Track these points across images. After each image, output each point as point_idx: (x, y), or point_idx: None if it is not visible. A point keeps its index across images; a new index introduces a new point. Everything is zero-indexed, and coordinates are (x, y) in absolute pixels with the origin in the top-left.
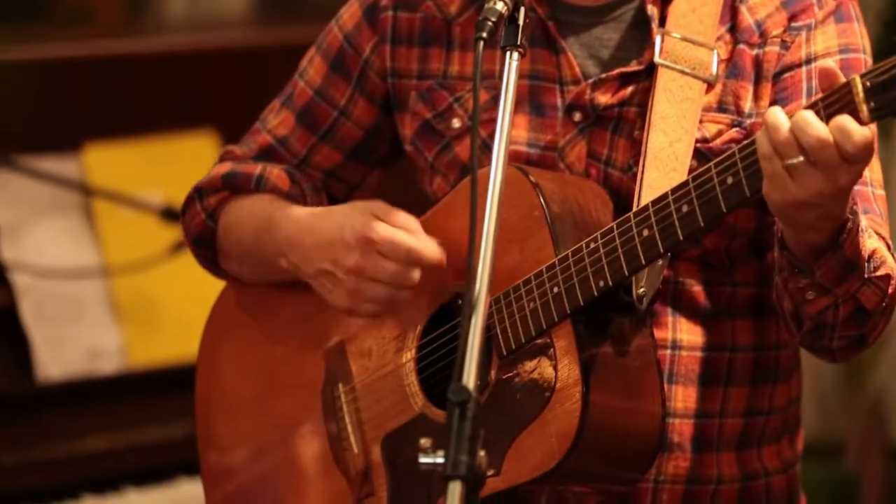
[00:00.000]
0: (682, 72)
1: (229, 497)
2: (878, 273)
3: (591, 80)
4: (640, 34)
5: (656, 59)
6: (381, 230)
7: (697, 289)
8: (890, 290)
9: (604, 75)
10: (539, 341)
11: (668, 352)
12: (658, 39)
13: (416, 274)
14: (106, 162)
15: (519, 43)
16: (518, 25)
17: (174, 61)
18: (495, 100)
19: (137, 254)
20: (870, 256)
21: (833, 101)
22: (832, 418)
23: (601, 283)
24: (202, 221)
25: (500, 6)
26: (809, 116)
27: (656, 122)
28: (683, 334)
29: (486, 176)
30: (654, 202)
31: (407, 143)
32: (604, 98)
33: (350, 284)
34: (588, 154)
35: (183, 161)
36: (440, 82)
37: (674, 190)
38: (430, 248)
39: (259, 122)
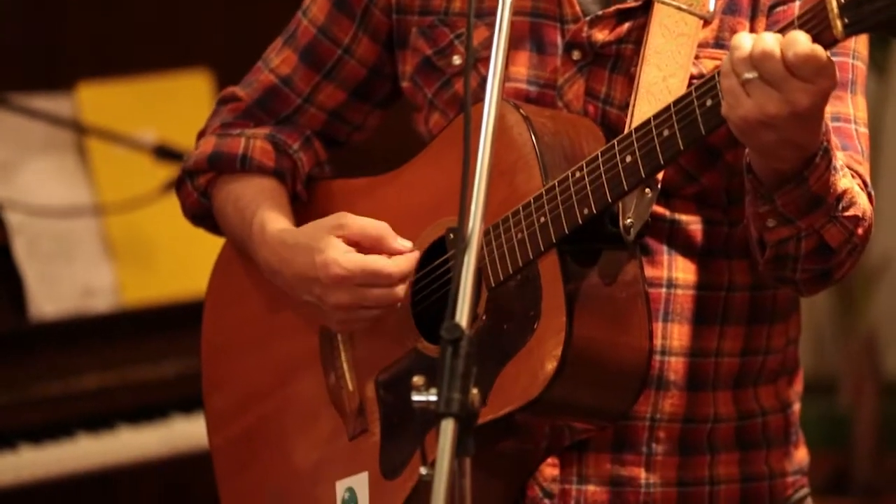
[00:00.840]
0: (679, 8)
1: (231, 439)
2: (847, 213)
3: (588, 18)
4: None
5: None
6: (353, 265)
7: (694, 227)
8: (859, 231)
9: (601, 12)
10: (526, 272)
11: (664, 290)
12: None
13: (402, 289)
14: (99, 100)
15: None
16: None
17: None
18: None
19: (131, 192)
20: (841, 195)
21: (808, 20)
22: (826, 355)
23: (586, 211)
24: (196, 200)
25: None
26: (765, 34)
27: (650, 56)
28: (679, 273)
29: (481, 112)
30: (637, 128)
31: (405, 80)
32: (601, 35)
33: (338, 317)
34: (586, 92)
35: (177, 100)
36: (441, 19)
37: (656, 115)
38: (404, 263)
39: (261, 62)
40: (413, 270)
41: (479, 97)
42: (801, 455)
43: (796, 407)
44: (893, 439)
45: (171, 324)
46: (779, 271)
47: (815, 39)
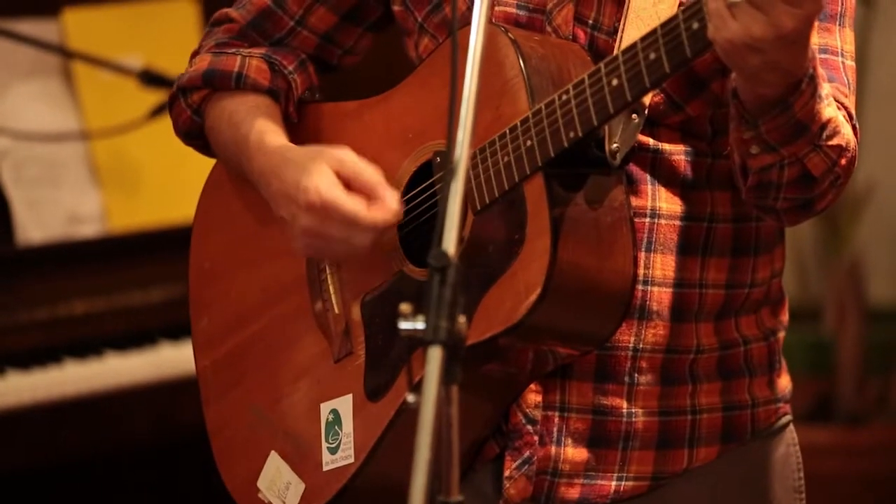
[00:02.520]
0: None
1: (217, 362)
2: (831, 142)
3: None
4: None
5: None
6: (330, 197)
7: (678, 158)
8: (842, 161)
9: None
10: (512, 196)
11: (647, 220)
12: None
13: (367, 238)
14: (85, 25)
15: None
16: None
17: None
18: None
19: (117, 118)
20: (825, 124)
21: None
22: (810, 282)
23: (571, 135)
24: (189, 117)
25: None
26: None
27: None
28: (662, 202)
29: (461, 35)
30: (624, 52)
31: (396, 4)
32: None
33: (303, 241)
34: (575, 17)
35: (163, 25)
36: None
37: (643, 38)
38: (380, 214)
39: None
40: (390, 223)
41: (469, 21)
42: (783, 383)
43: (780, 335)
44: (876, 365)
45: (158, 250)
46: (761, 199)
47: None
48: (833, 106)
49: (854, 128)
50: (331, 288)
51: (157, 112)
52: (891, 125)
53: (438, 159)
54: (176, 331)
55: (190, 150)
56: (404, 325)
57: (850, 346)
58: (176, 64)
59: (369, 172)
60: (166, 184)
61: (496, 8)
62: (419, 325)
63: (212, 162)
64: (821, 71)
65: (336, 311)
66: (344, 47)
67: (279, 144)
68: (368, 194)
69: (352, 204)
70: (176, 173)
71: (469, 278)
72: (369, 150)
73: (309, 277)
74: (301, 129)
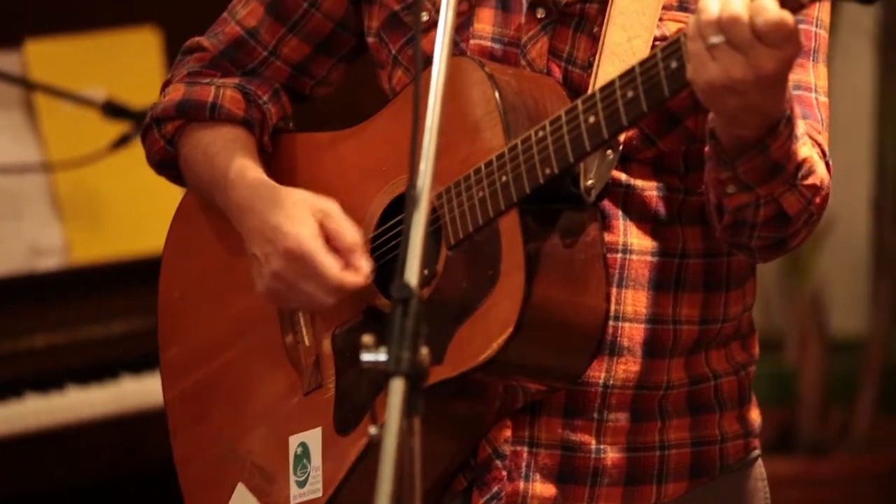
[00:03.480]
0: None
1: (186, 393)
2: (806, 182)
3: None
4: None
5: None
6: (307, 251)
7: (650, 193)
8: (817, 200)
9: None
10: (486, 231)
11: (619, 255)
12: None
13: (331, 298)
14: (47, 56)
15: None
16: None
17: None
18: None
19: (79, 149)
20: (800, 163)
21: None
22: (772, 312)
23: (547, 171)
24: (162, 148)
25: None
26: None
27: (615, 17)
28: (634, 238)
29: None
30: (602, 89)
31: (371, 36)
32: None
33: (269, 283)
34: (549, 51)
35: (125, 57)
36: None
37: (621, 76)
38: (349, 279)
39: (227, 13)
40: (360, 286)
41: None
42: (753, 416)
43: (751, 369)
44: (839, 396)
45: (120, 282)
46: (735, 237)
47: (785, 2)
48: (808, 145)
49: (827, 164)
50: (301, 320)
51: (119, 143)
52: (850, 157)
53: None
54: (138, 364)
55: (152, 181)
56: (367, 356)
57: (813, 376)
58: (139, 95)
59: (351, 234)
60: (128, 216)
61: (471, 41)
62: (381, 356)
63: (175, 194)
64: (797, 110)
65: (307, 343)
66: (316, 78)
67: (257, 179)
68: (345, 256)
69: (328, 262)
70: (138, 205)
71: (443, 313)
72: (344, 182)
73: (280, 309)
74: (276, 160)
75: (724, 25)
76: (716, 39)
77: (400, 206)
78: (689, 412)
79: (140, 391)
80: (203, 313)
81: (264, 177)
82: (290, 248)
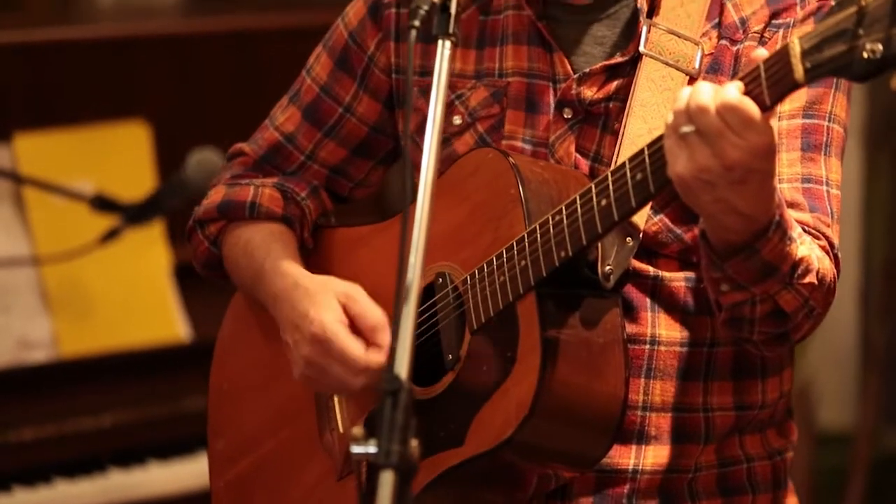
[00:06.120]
0: (666, 63)
1: (230, 484)
2: (803, 281)
3: (576, 75)
4: (632, 31)
5: (641, 48)
6: (332, 335)
7: (677, 285)
8: (816, 296)
9: (588, 69)
10: (506, 314)
11: (647, 347)
12: (644, 30)
13: (360, 380)
14: (36, 150)
15: (451, 31)
16: (450, 14)
17: (105, 49)
18: (494, 97)
19: (68, 243)
20: (796, 263)
21: (772, 64)
22: None
23: (562, 254)
24: (206, 249)
25: None
26: (701, 85)
27: (636, 109)
28: (662, 329)
29: (464, 160)
30: (613, 172)
31: (405, 139)
32: (589, 92)
33: (302, 369)
34: (577, 149)
35: (115, 150)
36: None
37: (631, 159)
38: (374, 359)
39: (268, 119)
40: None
41: (479, 146)
42: (789, 503)
43: (788, 455)
44: (826, 490)
45: (109, 375)
46: (736, 332)
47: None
48: (807, 244)
49: (836, 257)
50: (336, 407)
51: (108, 237)
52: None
53: (440, 280)
54: (126, 457)
55: (140, 275)
56: (356, 449)
57: (801, 470)
58: (128, 188)
59: (374, 315)
60: (116, 309)
61: (503, 141)
62: (371, 448)
63: (164, 289)
64: (788, 217)
65: (340, 429)
66: (355, 180)
67: (293, 270)
68: (369, 336)
69: (351, 344)
70: (126, 298)
71: (465, 396)
72: (377, 273)
73: (316, 397)
74: (316, 255)
75: (693, 114)
76: (686, 129)
77: (429, 294)
78: (720, 494)
79: (127, 484)
80: (248, 405)
81: (297, 266)
82: (316, 333)
